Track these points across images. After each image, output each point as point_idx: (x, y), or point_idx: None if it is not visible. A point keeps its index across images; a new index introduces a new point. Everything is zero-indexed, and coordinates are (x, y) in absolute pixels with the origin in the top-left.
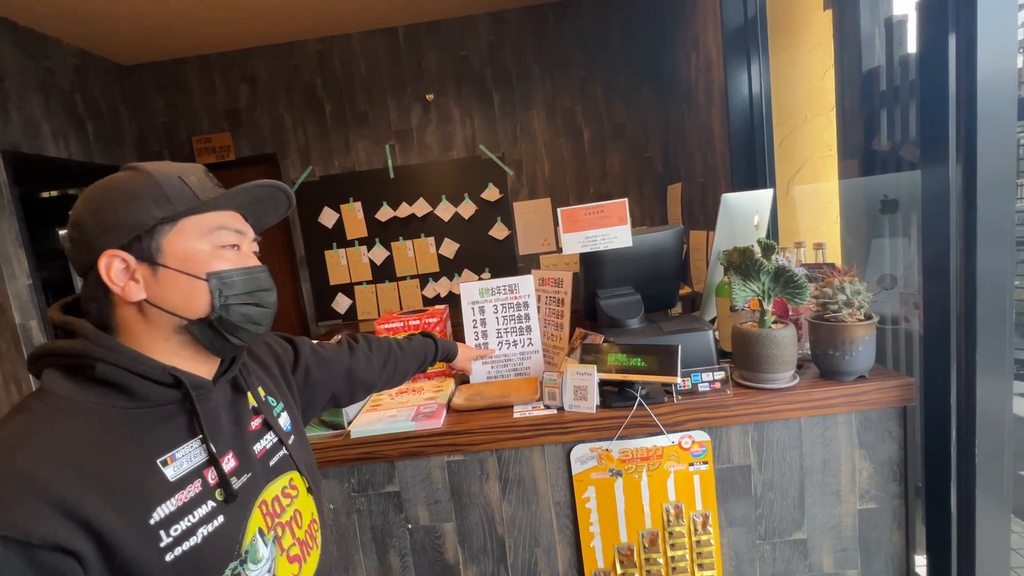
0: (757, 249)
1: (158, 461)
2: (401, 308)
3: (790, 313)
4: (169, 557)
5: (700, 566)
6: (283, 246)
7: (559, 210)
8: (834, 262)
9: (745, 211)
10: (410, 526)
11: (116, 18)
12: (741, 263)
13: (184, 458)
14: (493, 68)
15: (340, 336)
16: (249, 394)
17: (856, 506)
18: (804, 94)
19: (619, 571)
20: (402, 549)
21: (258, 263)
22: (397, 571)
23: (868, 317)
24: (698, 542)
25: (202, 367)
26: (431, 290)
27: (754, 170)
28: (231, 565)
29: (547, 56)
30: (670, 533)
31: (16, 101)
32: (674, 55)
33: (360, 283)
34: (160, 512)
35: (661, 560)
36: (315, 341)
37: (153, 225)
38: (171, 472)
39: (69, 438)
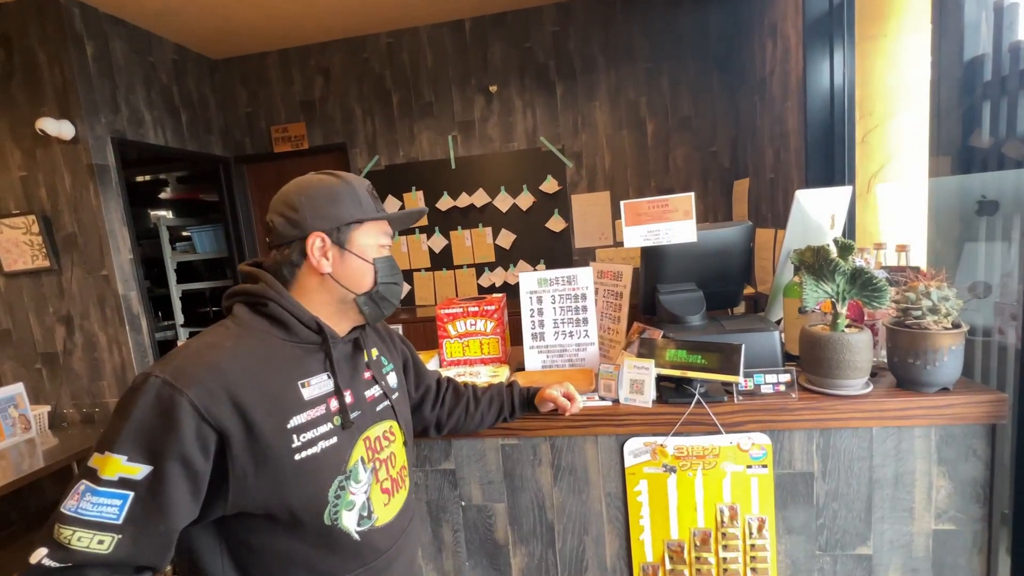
0: (833, 248)
1: (299, 382)
2: (457, 296)
3: (865, 318)
4: (297, 457)
5: (753, 571)
6: None
7: (622, 203)
8: (919, 266)
9: (820, 209)
10: (463, 503)
11: (210, 16)
12: (815, 263)
13: (317, 385)
14: (557, 59)
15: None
16: (365, 352)
17: (931, 525)
18: (893, 85)
19: (668, 567)
20: (455, 524)
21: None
22: (449, 545)
23: (956, 326)
24: (752, 546)
25: (340, 325)
26: (486, 279)
27: (831, 167)
28: (338, 478)
29: (613, 46)
30: (723, 534)
31: (124, 93)
32: (748, 44)
33: (419, 270)
34: (296, 420)
35: (712, 560)
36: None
37: (350, 222)
38: (307, 393)
39: (246, 349)
